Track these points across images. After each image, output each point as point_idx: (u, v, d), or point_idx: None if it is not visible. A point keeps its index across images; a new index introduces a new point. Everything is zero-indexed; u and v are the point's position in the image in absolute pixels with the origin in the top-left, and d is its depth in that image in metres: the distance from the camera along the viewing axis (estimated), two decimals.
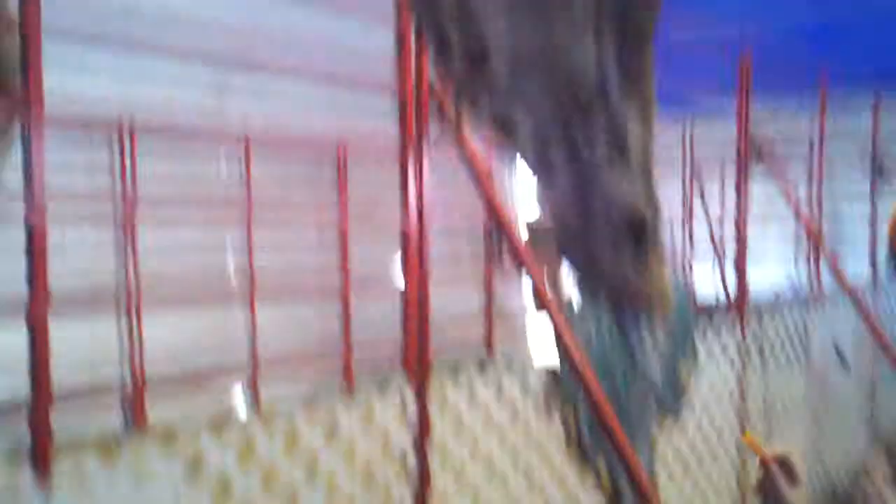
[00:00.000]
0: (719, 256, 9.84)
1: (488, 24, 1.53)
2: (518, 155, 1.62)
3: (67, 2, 2.56)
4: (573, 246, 1.58)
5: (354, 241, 3.40)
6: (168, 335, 2.89)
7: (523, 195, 12.02)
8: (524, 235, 3.19)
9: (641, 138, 1.49)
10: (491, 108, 1.60)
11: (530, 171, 1.60)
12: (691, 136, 6.67)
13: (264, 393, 3.17)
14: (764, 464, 2.44)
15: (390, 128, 3.46)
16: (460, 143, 3.47)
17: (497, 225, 3.71)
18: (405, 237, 3.43)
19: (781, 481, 2.38)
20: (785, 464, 2.44)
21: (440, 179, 3.48)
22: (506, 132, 1.60)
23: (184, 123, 2.99)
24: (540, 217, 5.91)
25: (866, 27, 9.16)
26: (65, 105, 2.49)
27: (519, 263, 3.58)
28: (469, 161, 3.50)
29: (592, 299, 1.59)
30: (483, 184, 3.54)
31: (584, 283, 1.63)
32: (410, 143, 3.43)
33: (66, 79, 2.54)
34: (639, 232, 1.47)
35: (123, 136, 2.79)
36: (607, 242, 1.49)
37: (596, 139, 1.48)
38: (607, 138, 1.47)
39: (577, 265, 1.61)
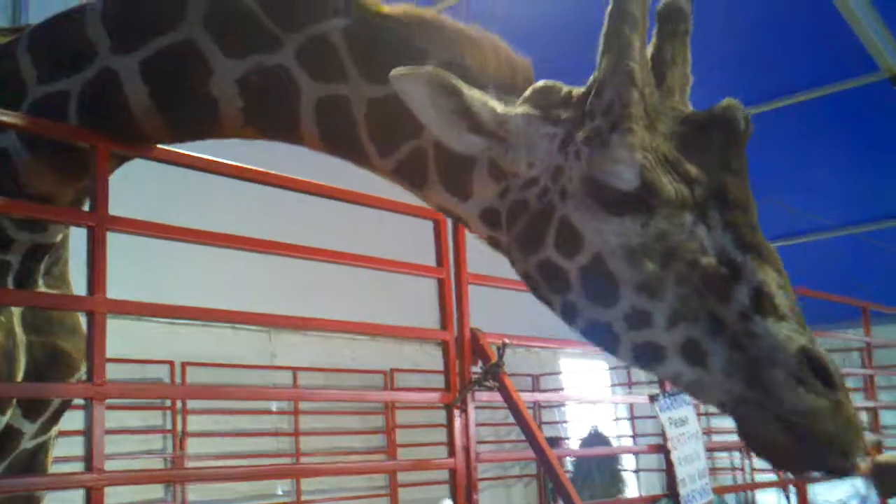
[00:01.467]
0: (778, 475, 9.71)
1: (589, 231, 1.62)
2: (643, 359, 1.63)
3: None
4: (749, 412, 1.50)
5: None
6: None
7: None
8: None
9: (779, 282, 1.51)
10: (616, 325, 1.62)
11: (672, 368, 1.58)
12: None
13: None
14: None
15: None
16: (503, 383, 3.62)
17: (544, 463, 3.79)
18: (452, 475, 3.53)
19: None
20: None
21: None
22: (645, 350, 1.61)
23: None
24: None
25: None
26: None
27: (565, 497, 3.62)
28: (511, 401, 3.64)
29: (778, 464, 1.45)
30: (526, 422, 3.66)
31: (776, 451, 1.50)
32: (454, 382, 3.60)
33: None
34: (818, 364, 1.43)
35: None
36: (788, 384, 1.43)
37: (736, 300, 1.50)
38: (750, 294, 1.49)
39: (754, 426, 1.50)
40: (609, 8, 1.64)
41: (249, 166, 3.08)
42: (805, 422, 1.42)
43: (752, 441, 1.53)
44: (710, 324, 1.52)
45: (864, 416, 9.37)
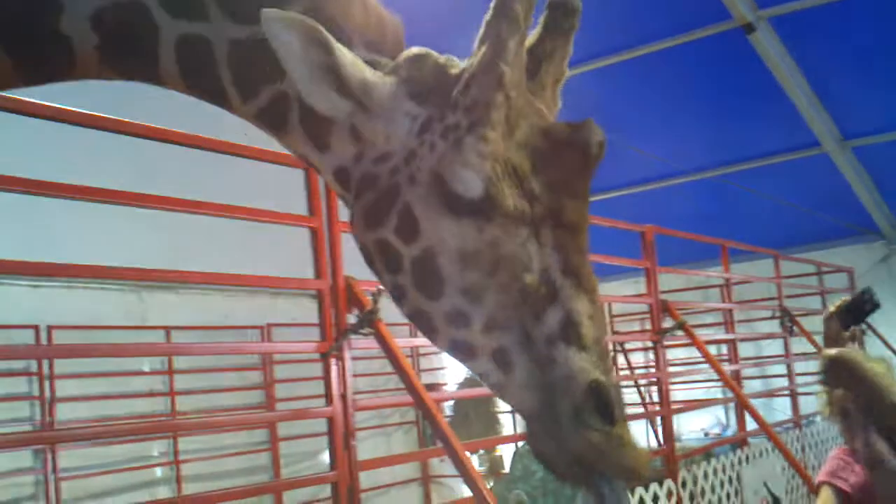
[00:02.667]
0: (645, 407, 10.21)
1: (428, 224, 1.62)
2: (456, 353, 1.66)
3: None
4: (539, 430, 1.57)
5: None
6: None
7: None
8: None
9: (590, 312, 1.55)
10: (426, 305, 1.65)
11: (481, 367, 1.63)
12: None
13: None
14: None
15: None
16: (378, 330, 3.66)
17: (421, 406, 3.86)
18: (331, 424, 3.56)
19: None
20: None
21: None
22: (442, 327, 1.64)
23: None
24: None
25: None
26: None
27: (444, 440, 3.71)
28: (387, 348, 3.69)
29: (565, 480, 1.54)
30: (403, 368, 3.72)
31: (554, 465, 1.57)
32: (329, 331, 3.63)
33: None
34: (603, 402, 1.48)
35: None
36: (572, 417, 1.49)
37: (546, 323, 1.54)
38: (560, 319, 1.53)
39: (545, 449, 1.57)
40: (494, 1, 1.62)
41: (111, 116, 2.99)
42: (581, 454, 1.51)
43: (539, 456, 1.61)
44: (521, 338, 1.57)
45: (723, 349, 9.92)
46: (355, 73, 1.67)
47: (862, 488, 2.91)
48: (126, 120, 3.04)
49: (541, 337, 1.55)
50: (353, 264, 3.76)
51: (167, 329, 8.32)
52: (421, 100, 1.69)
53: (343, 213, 3.66)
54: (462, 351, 1.66)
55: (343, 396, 3.58)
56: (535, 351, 1.55)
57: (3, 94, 2.37)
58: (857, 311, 3.28)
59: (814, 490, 3.00)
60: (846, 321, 3.22)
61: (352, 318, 3.71)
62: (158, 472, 8.44)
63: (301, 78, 1.66)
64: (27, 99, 2.67)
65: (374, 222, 1.71)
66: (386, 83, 1.70)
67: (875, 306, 3.29)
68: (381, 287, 3.63)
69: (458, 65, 1.71)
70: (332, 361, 3.58)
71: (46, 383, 7.51)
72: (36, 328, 7.36)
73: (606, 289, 10.55)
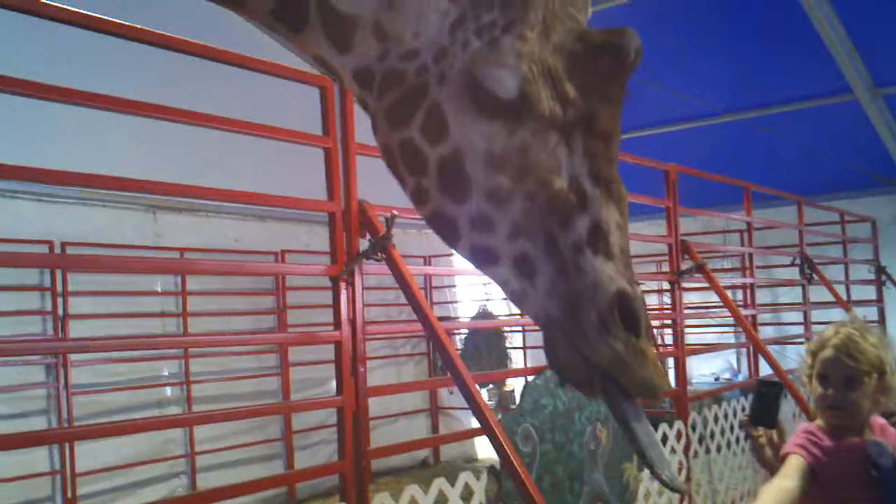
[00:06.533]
0: (658, 349, 10.16)
1: (457, 125, 1.58)
2: (477, 259, 1.64)
3: None
4: (560, 338, 1.55)
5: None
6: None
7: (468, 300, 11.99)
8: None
9: (618, 222, 1.53)
10: (450, 212, 1.62)
11: (502, 274, 1.61)
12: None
13: None
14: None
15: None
16: (391, 255, 3.59)
17: (431, 335, 3.81)
18: (339, 347, 3.52)
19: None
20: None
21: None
22: (472, 235, 1.62)
23: None
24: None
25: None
26: None
27: (453, 371, 3.66)
28: (399, 274, 3.62)
29: (583, 391, 1.53)
30: (414, 295, 3.66)
31: (574, 375, 1.56)
32: (341, 255, 3.56)
33: None
34: (628, 312, 1.48)
35: None
36: (596, 325, 1.48)
37: (574, 230, 1.51)
38: (588, 227, 1.51)
39: (566, 358, 1.55)
40: None
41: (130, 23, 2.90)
42: (603, 364, 1.48)
43: (554, 363, 1.59)
44: (546, 245, 1.54)
45: (739, 294, 9.84)
46: None
47: (825, 464, 2.90)
48: (139, 27, 2.95)
49: (567, 244, 1.51)
50: (368, 189, 3.70)
51: (180, 250, 8.31)
52: None
53: (359, 135, 3.59)
54: (484, 257, 1.62)
55: (352, 321, 3.53)
56: (559, 258, 1.52)
57: None
58: (764, 404, 3.21)
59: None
60: (763, 422, 3.18)
61: (365, 244, 3.65)
62: (168, 391, 8.50)
63: None
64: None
65: (398, 122, 1.65)
66: None
67: (777, 388, 3.21)
68: (396, 213, 3.59)
69: None
70: (343, 286, 3.52)
71: (60, 299, 7.53)
72: (50, 244, 7.34)
73: None
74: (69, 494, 7.38)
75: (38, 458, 7.24)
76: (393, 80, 1.65)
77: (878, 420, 3.06)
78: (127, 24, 2.89)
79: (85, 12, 2.74)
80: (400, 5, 1.62)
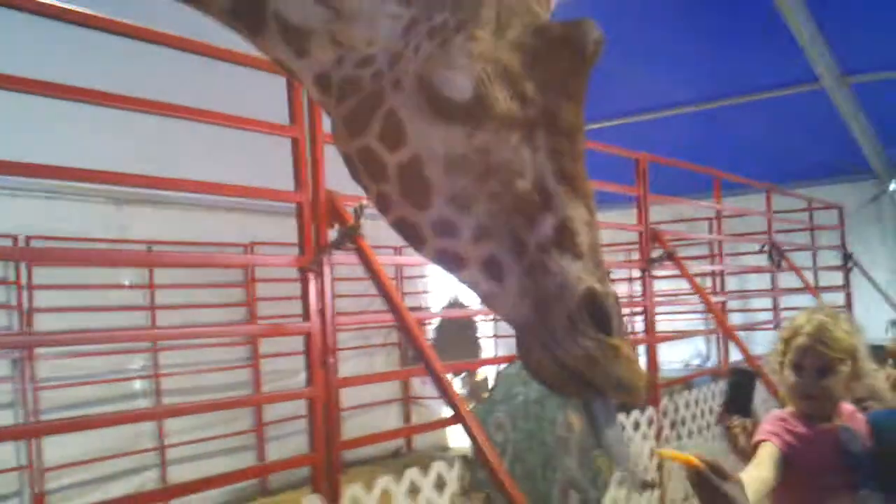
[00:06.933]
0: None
1: (414, 130, 1.55)
2: (444, 263, 1.62)
3: None
4: (531, 340, 1.52)
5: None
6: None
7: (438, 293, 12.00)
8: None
9: (586, 219, 1.50)
10: (413, 215, 1.59)
11: (471, 276, 1.58)
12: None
13: None
14: (691, 467, 2.50)
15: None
16: (359, 246, 3.57)
17: (401, 325, 3.80)
18: (308, 338, 3.49)
19: (715, 477, 2.53)
20: (712, 464, 2.56)
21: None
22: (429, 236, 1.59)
23: None
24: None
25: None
26: None
27: (424, 361, 3.66)
28: (368, 264, 3.61)
29: (555, 391, 1.48)
30: (384, 286, 3.64)
31: (547, 377, 1.52)
32: (309, 246, 3.53)
33: None
34: (599, 311, 1.44)
35: None
36: (566, 326, 1.45)
37: (540, 230, 1.48)
38: (554, 226, 1.48)
39: (537, 360, 1.51)
40: None
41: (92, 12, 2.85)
42: (575, 364, 1.45)
43: (527, 364, 1.55)
44: (513, 246, 1.50)
45: (708, 282, 9.91)
46: None
47: (799, 451, 2.91)
48: (103, 16, 2.90)
49: (534, 245, 1.48)
50: (336, 180, 3.66)
51: (148, 243, 8.21)
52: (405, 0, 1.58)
53: (327, 125, 3.55)
54: (450, 261, 1.59)
55: (321, 312, 3.51)
56: (527, 259, 1.49)
57: None
58: (739, 393, 3.22)
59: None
60: (739, 411, 3.19)
61: (333, 234, 3.62)
62: (137, 385, 8.42)
63: None
64: None
65: (356, 129, 1.61)
66: None
67: (751, 376, 3.22)
68: (365, 203, 3.56)
69: None
70: (311, 277, 3.50)
71: (24, 293, 7.42)
72: (14, 238, 7.23)
73: None
74: (37, 489, 7.30)
75: (5, 453, 7.15)
76: (349, 86, 1.62)
77: (847, 406, 3.08)
78: (92, 13, 2.84)
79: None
80: (350, 15, 1.58)
